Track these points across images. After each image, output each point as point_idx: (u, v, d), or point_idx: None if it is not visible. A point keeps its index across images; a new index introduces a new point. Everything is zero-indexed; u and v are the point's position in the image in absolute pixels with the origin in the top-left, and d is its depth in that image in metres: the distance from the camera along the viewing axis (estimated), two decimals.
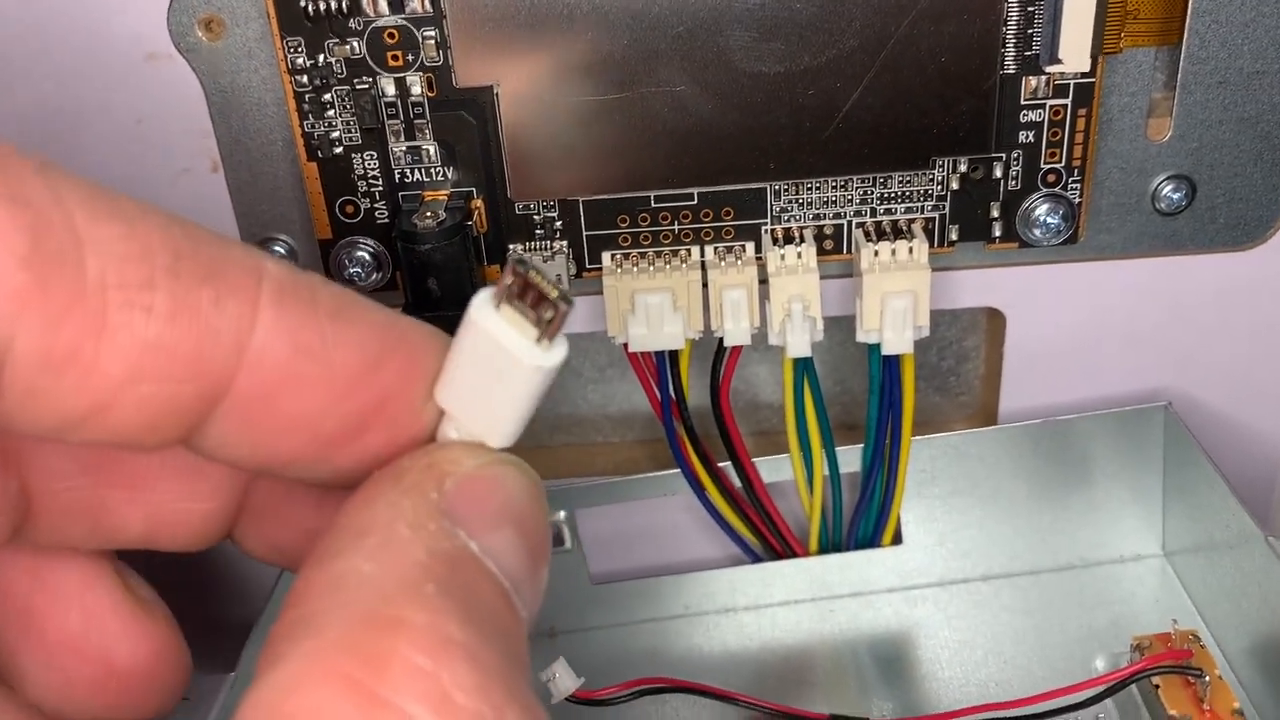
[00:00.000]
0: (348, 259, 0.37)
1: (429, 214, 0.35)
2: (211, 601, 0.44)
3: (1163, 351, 0.40)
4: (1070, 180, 0.36)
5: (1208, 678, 0.32)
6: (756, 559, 0.42)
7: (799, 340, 0.36)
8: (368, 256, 0.37)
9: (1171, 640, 0.34)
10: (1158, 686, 0.33)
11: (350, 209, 0.37)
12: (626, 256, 0.37)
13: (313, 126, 0.35)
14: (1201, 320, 0.40)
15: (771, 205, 0.37)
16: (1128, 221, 0.38)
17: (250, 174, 0.37)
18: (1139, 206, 0.37)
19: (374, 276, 0.37)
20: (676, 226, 0.37)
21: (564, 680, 0.34)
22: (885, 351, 0.36)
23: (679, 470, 0.40)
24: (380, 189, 0.36)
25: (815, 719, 0.36)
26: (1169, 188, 0.37)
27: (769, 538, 0.41)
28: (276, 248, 0.38)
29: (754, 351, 0.43)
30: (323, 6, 0.34)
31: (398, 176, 0.36)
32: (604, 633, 0.43)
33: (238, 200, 0.37)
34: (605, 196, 0.36)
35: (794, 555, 0.42)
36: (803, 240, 0.37)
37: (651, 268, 0.37)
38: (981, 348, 0.42)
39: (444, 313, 0.35)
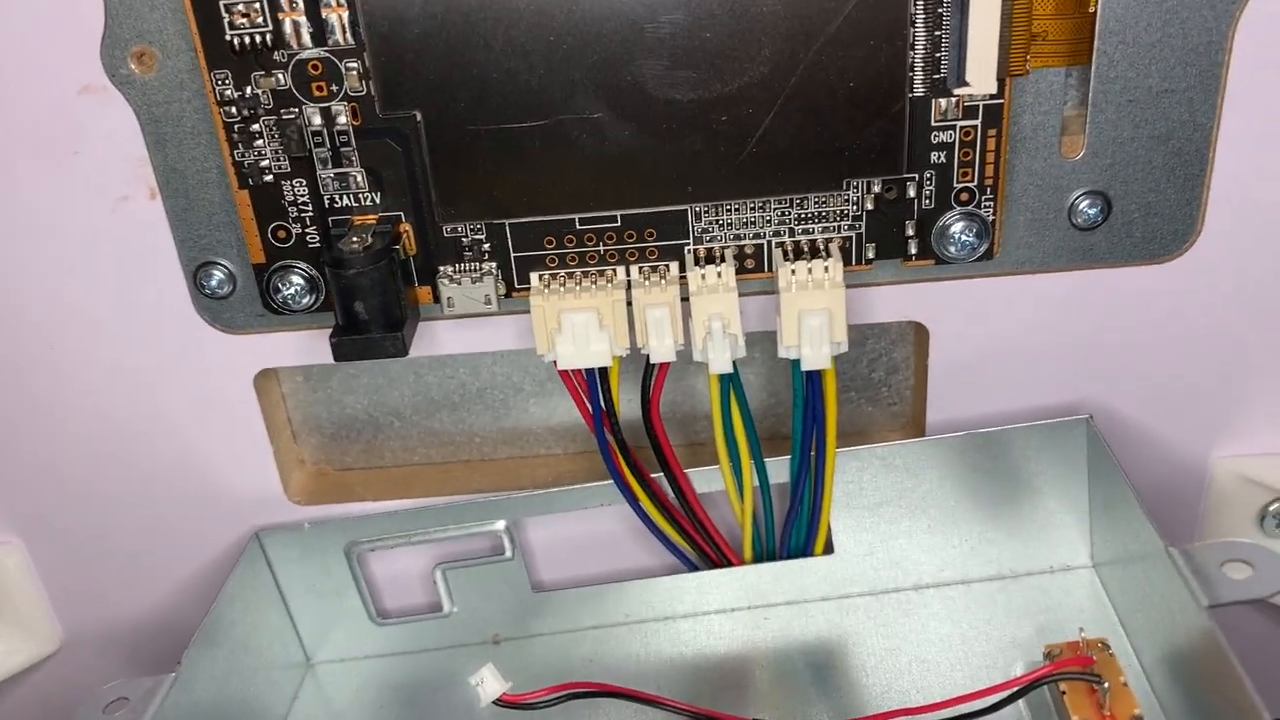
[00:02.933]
0: (281, 282, 0.38)
1: (355, 239, 0.36)
2: (158, 605, 0.45)
3: (1084, 363, 0.41)
4: (983, 199, 0.37)
5: (1108, 684, 0.33)
6: (693, 568, 0.43)
7: (720, 357, 0.37)
8: (301, 280, 0.38)
9: (1079, 648, 0.35)
10: (1064, 693, 0.34)
11: (282, 234, 0.38)
12: (554, 277, 0.38)
13: (243, 155, 0.36)
14: (1121, 332, 0.40)
15: (693, 226, 0.38)
16: (1046, 236, 0.38)
17: (187, 200, 0.38)
18: (1056, 222, 0.38)
19: (307, 299, 0.38)
20: (602, 247, 0.38)
21: (491, 684, 0.35)
22: (805, 367, 0.37)
23: (613, 482, 0.41)
24: (310, 214, 0.37)
25: None
26: (1085, 203, 0.38)
27: (704, 547, 0.42)
28: (216, 271, 0.39)
29: (689, 364, 0.44)
30: (247, 40, 0.35)
31: (327, 202, 0.37)
32: (545, 640, 0.44)
33: (176, 226, 0.38)
34: (531, 219, 0.37)
35: (729, 564, 0.43)
36: (723, 260, 0.37)
37: (578, 287, 0.37)
38: (911, 359, 0.43)
39: (372, 335, 0.37)
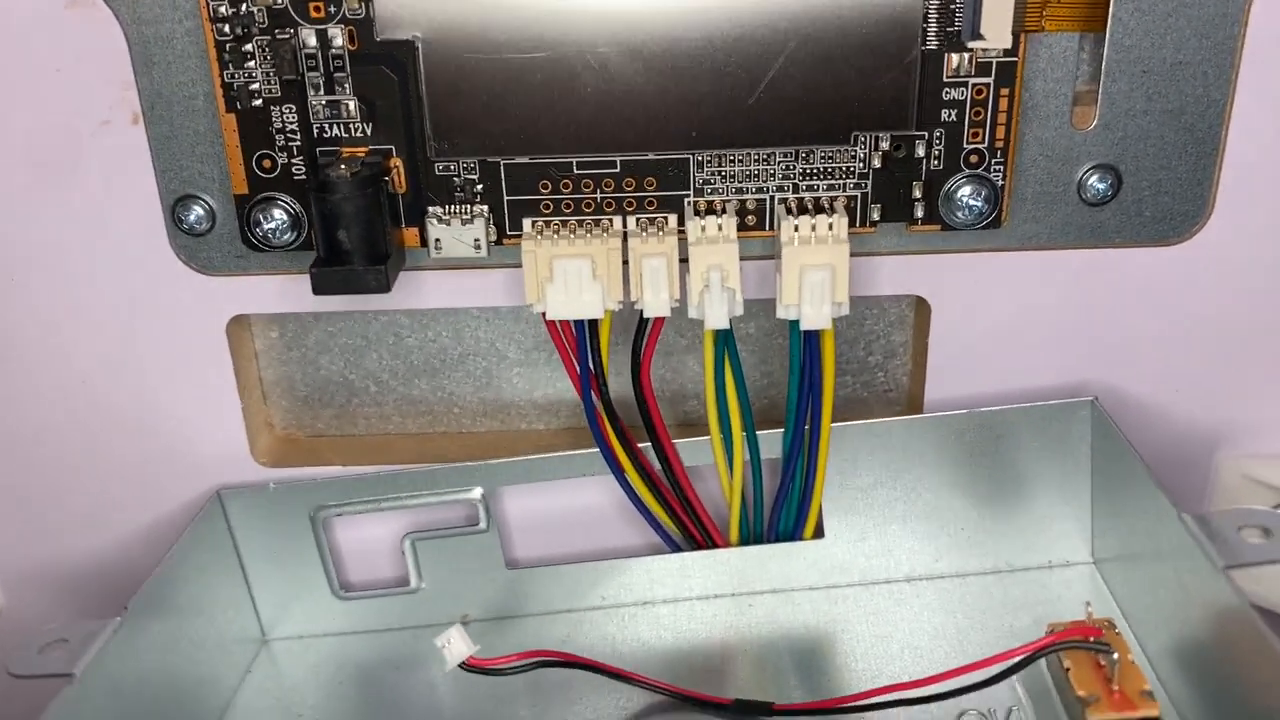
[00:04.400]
0: (264, 216, 0.37)
1: (344, 167, 0.35)
2: (111, 560, 0.42)
3: (1090, 345, 0.40)
4: (993, 162, 0.36)
5: (1117, 656, 0.31)
6: (676, 548, 0.41)
7: (717, 312, 0.36)
8: (284, 215, 0.37)
9: (1086, 624, 0.33)
10: (1068, 669, 0.32)
11: (267, 163, 0.36)
12: (548, 224, 0.37)
13: (232, 76, 0.35)
14: (1129, 317, 0.39)
15: (694, 177, 0.36)
16: (1053, 211, 0.37)
17: (171, 128, 0.36)
18: (1064, 196, 0.37)
19: (289, 236, 0.37)
20: (599, 195, 0.36)
21: (457, 645, 0.33)
22: (804, 326, 0.36)
23: (598, 450, 0.39)
24: (298, 144, 0.36)
25: (719, 703, 0.35)
26: (1094, 177, 0.37)
27: (689, 525, 0.40)
28: (196, 206, 0.37)
29: (681, 339, 0.42)
30: None
31: (316, 131, 0.36)
32: (517, 622, 0.41)
33: (158, 155, 0.37)
34: (528, 160, 0.36)
35: (714, 545, 0.41)
36: (725, 212, 0.36)
37: (573, 235, 0.36)
38: (909, 343, 0.42)
39: (354, 266, 0.35)
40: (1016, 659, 0.31)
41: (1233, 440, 0.41)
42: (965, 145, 0.36)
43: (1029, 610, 0.39)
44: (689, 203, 0.37)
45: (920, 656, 0.37)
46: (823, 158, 0.36)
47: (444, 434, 0.44)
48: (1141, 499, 0.35)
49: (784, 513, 0.40)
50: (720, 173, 0.36)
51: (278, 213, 0.37)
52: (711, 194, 0.37)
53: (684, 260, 0.36)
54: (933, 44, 0.35)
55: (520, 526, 0.42)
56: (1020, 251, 0.38)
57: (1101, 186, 0.37)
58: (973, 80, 0.35)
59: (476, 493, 0.40)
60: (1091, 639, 0.31)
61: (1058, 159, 0.37)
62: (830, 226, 0.35)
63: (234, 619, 0.41)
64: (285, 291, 0.39)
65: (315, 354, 0.42)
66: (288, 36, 0.34)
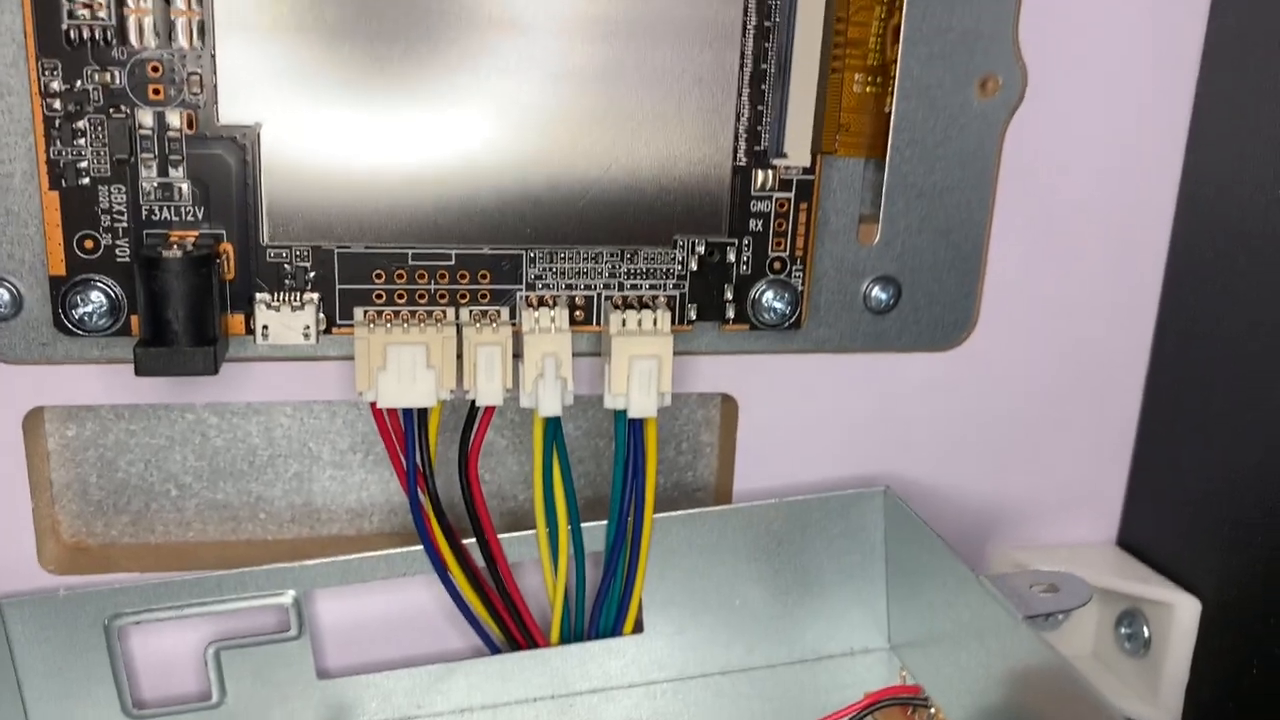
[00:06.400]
0: (80, 299, 0.35)
1: (175, 246, 0.34)
2: None
3: (880, 440, 0.43)
4: (794, 269, 0.40)
5: (934, 710, 0.33)
6: (496, 650, 0.41)
7: (550, 399, 0.37)
8: (102, 298, 0.35)
9: (901, 686, 0.35)
10: None
11: (90, 244, 0.35)
12: (380, 314, 0.37)
13: (59, 153, 0.34)
14: (911, 414, 0.43)
15: (527, 272, 0.38)
16: (843, 317, 0.41)
17: None
18: (853, 304, 0.41)
19: (105, 320, 0.36)
20: (433, 286, 0.37)
21: None
22: (631, 414, 0.37)
23: (421, 547, 0.39)
24: (125, 225, 0.35)
25: None
26: (877, 288, 0.41)
27: (511, 626, 0.40)
28: (1, 290, 0.35)
29: (501, 438, 0.43)
30: (85, 34, 0.34)
31: (145, 213, 0.35)
32: None
33: None
34: (363, 248, 0.37)
35: (535, 645, 0.41)
36: (556, 305, 0.38)
37: (406, 325, 0.37)
38: (715, 443, 0.44)
39: (181, 347, 0.34)
40: None
41: (1002, 531, 0.45)
42: (770, 253, 0.40)
43: (842, 692, 0.41)
44: (521, 297, 0.38)
45: None
46: (646, 259, 0.39)
47: (248, 541, 0.42)
48: (938, 571, 0.38)
49: (605, 607, 0.41)
50: (552, 269, 0.38)
51: (96, 295, 0.35)
52: (543, 289, 0.38)
53: (516, 354, 0.37)
54: (743, 160, 0.38)
55: (333, 633, 0.41)
56: (817, 354, 0.42)
57: (884, 297, 0.42)
58: (776, 195, 0.39)
59: (288, 596, 0.39)
60: (912, 694, 0.33)
61: (847, 270, 0.41)
62: (655, 321, 0.38)
63: None
64: (94, 382, 0.37)
65: (114, 454, 0.40)
66: (123, 116, 0.34)
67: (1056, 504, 0.46)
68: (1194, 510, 0.43)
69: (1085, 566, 0.42)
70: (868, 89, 0.39)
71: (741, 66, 0.37)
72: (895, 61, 0.39)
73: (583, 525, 0.39)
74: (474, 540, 0.39)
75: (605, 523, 0.40)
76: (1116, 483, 0.46)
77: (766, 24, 0.37)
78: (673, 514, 0.41)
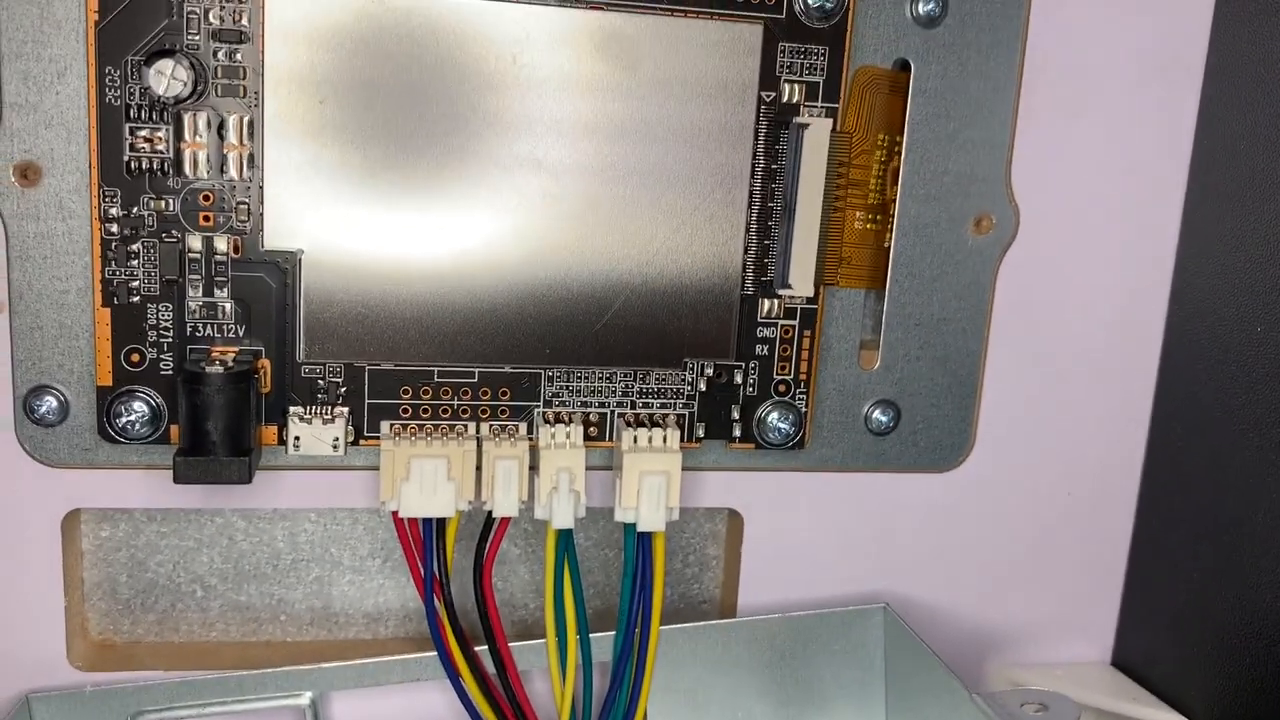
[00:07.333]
0: (124, 408, 0.38)
1: (217, 361, 0.37)
2: None
3: (879, 558, 0.45)
4: (798, 391, 0.42)
5: None
6: None
7: (564, 512, 0.39)
8: (144, 408, 0.38)
9: None
10: None
11: (136, 357, 0.37)
12: (405, 427, 0.39)
13: (113, 273, 0.37)
14: (910, 533, 0.45)
15: (545, 390, 0.40)
16: (845, 437, 0.43)
17: (36, 319, 0.37)
18: (854, 425, 0.43)
19: (146, 429, 0.38)
20: (456, 402, 0.40)
21: None
22: (641, 528, 0.39)
23: (435, 653, 0.40)
24: (170, 340, 0.38)
25: None
26: (878, 411, 0.43)
27: None
28: (49, 397, 0.38)
29: (515, 548, 0.45)
30: (145, 164, 0.36)
31: (189, 329, 0.38)
32: None
33: (18, 345, 0.37)
34: (392, 367, 0.39)
35: None
36: (571, 422, 0.40)
37: (429, 438, 0.39)
38: (721, 557, 0.46)
39: (218, 457, 0.36)
40: None
41: (999, 649, 0.47)
42: (775, 376, 0.42)
43: None
44: (539, 413, 0.40)
45: None
46: (657, 379, 0.41)
47: (268, 642, 0.44)
48: (934, 688, 0.40)
49: (611, 717, 0.42)
50: (568, 387, 0.40)
51: (139, 405, 0.38)
52: (559, 406, 0.40)
53: (532, 467, 0.39)
54: (750, 289, 0.41)
55: None
56: (819, 472, 0.44)
57: (884, 419, 0.44)
58: (781, 322, 0.41)
59: (306, 698, 0.40)
60: None
61: (848, 394, 0.43)
62: (664, 439, 0.40)
63: None
64: (132, 486, 0.39)
65: (144, 555, 0.42)
66: (174, 241, 0.37)
67: (1051, 623, 0.47)
68: (1184, 631, 0.44)
69: (1079, 686, 0.43)
70: (868, 226, 0.42)
71: (750, 205, 0.40)
72: (895, 201, 0.41)
73: (591, 635, 0.41)
74: (485, 646, 0.41)
75: (613, 633, 0.41)
76: (1110, 603, 0.47)
77: (773, 167, 0.40)
78: (679, 626, 0.42)
